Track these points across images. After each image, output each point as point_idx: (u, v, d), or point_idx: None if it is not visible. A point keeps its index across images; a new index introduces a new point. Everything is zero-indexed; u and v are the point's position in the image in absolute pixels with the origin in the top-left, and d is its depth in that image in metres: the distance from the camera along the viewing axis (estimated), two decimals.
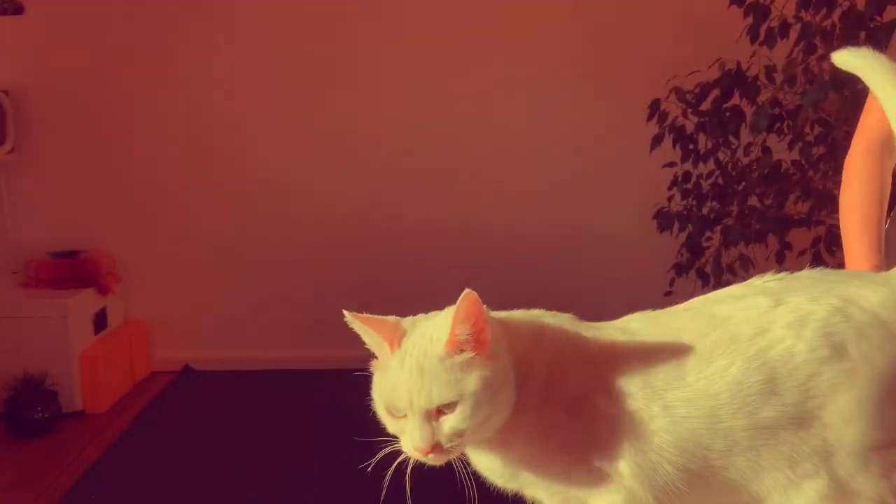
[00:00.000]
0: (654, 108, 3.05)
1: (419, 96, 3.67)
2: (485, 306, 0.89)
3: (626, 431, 0.89)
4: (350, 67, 3.64)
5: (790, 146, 2.85)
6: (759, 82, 2.82)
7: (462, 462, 0.94)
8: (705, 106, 2.99)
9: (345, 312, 0.93)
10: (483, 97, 3.66)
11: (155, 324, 3.80)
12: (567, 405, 0.90)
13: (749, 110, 2.86)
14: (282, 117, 3.69)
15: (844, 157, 1.35)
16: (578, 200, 3.69)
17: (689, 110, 3.02)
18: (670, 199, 3.19)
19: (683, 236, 3.15)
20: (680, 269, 3.15)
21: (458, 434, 0.88)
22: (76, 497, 2.68)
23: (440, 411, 0.88)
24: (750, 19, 2.79)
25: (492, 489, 0.97)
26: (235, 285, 3.80)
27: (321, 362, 3.74)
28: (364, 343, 0.95)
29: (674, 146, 3.06)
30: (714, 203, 3.09)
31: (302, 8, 3.60)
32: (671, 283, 3.16)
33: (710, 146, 3.02)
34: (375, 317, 0.92)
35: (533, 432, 0.90)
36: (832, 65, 1.11)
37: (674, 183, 3.17)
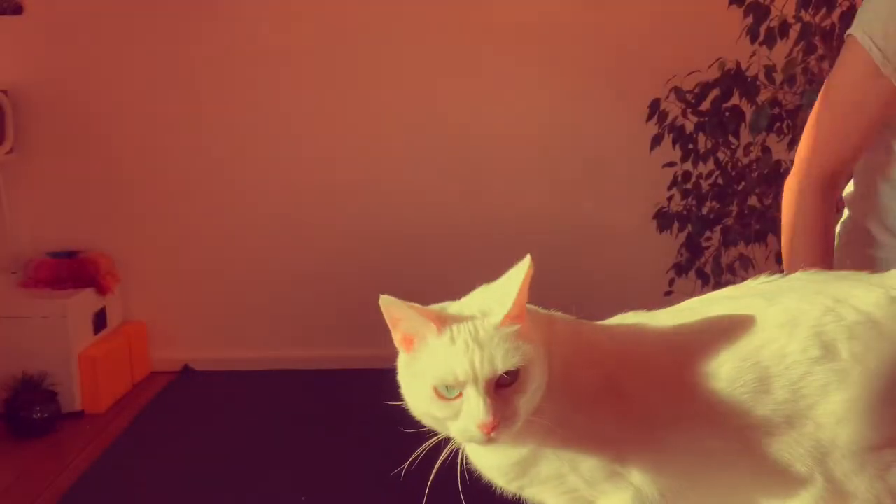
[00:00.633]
0: (654, 108, 3.05)
1: (418, 96, 3.67)
2: None
3: (634, 430, 0.88)
4: (350, 68, 3.64)
5: (790, 146, 2.85)
6: (758, 82, 2.82)
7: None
8: (705, 106, 2.99)
9: (382, 297, 0.87)
10: (483, 97, 3.66)
11: (154, 324, 3.80)
12: (579, 401, 0.90)
13: (749, 110, 2.86)
14: (281, 118, 3.69)
15: None
16: (578, 200, 3.69)
17: (689, 110, 3.02)
18: (670, 199, 3.19)
19: (683, 236, 3.14)
20: (680, 269, 3.16)
21: (519, 406, 0.85)
22: (75, 497, 2.68)
23: (499, 384, 0.85)
24: (750, 19, 2.79)
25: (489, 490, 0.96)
26: (235, 285, 3.80)
27: (321, 362, 3.74)
28: (392, 336, 0.91)
29: (673, 146, 3.06)
30: (714, 203, 3.09)
31: (305, 9, 3.60)
32: (671, 283, 3.16)
33: (709, 146, 3.02)
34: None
35: (546, 427, 0.89)
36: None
37: (673, 183, 3.17)
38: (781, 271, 0.99)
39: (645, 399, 0.89)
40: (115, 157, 3.70)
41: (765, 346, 0.88)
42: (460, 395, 0.85)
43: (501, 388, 0.84)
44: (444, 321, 0.87)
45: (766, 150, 2.92)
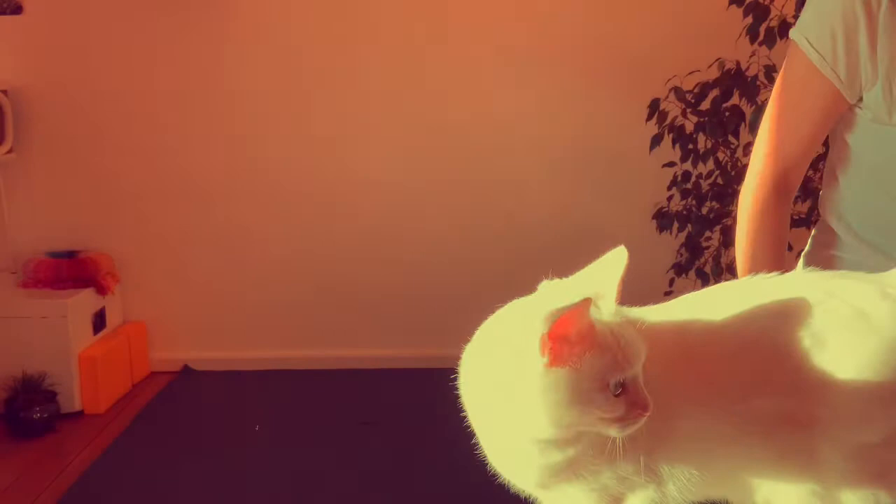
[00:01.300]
0: (654, 108, 3.05)
1: (417, 96, 3.67)
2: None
3: (656, 420, 0.88)
4: (349, 67, 3.64)
5: None
6: (758, 82, 2.82)
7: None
8: (705, 106, 2.99)
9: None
10: (482, 97, 3.66)
11: (154, 324, 3.80)
12: None
13: (749, 110, 2.86)
14: (282, 118, 3.69)
15: None
16: (578, 200, 3.69)
17: (689, 110, 3.02)
18: (670, 198, 3.19)
19: (683, 236, 3.14)
20: (680, 268, 3.16)
21: None
22: (75, 497, 2.68)
23: None
24: (749, 19, 2.79)
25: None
26: (235, 286, 3.80)
27: (321, 362, 3.74)
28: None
29: (673, 146, 3.06)
30: (714, 203, 3.08)
31: (308, 9, 3.60)
32: (671, 282, 3.16)
33: (709, 146, 3.02)
34: None
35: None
36: None
37: (673, 183, 3.17)
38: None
39: (660, 388, 0.88)
40: (115, 157, 3.70)
41: (760, 337, 0.88)
42: (622, 389, 0.83)
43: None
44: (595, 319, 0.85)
45: None
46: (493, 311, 0.94)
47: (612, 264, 0.89)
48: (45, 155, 3.66)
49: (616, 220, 3.63)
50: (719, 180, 3.08)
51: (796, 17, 2.65)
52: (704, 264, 3.11)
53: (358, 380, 3.58)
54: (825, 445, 0.86)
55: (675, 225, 3.12)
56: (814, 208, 2.84)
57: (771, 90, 1.27)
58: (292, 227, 3.76)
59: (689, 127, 3.03)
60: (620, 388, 0.82)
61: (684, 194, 3.14)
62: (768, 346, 0.88)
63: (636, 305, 0.99)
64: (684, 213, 3.12)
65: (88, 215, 3.72)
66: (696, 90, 3.00)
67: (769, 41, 2.74)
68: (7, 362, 3.19)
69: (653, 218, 3.18)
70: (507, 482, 0.95)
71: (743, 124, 2.90)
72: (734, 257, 3.05)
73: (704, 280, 3.07)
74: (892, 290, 0.89)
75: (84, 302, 3.41)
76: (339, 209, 3.75)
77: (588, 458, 0.88)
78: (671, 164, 3.14)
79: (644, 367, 0.86)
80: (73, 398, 3.30)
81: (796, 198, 2.91)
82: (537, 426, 0.84)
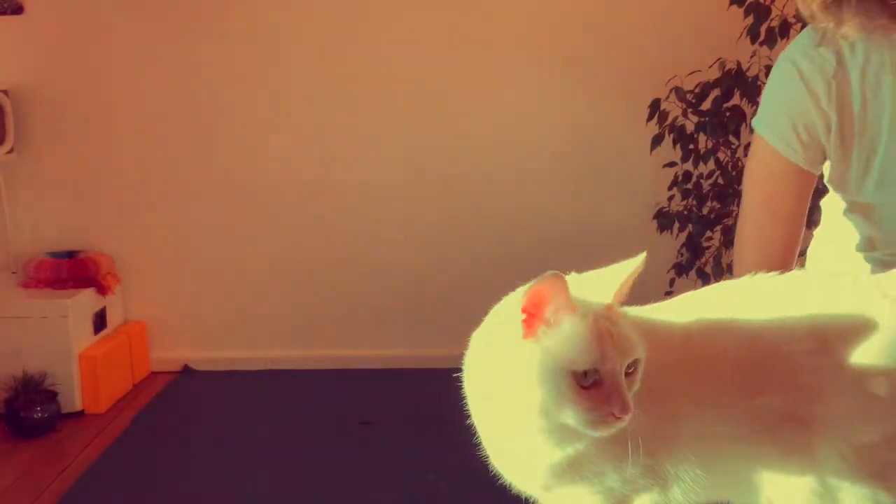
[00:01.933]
0: (655, 108, 3.05)
1: (417, 95, 3.66)
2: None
3: (660, 420, 0.87)
4: (348, 66, 3.63)
5: None
6: (759, 82, 2.82)
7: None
8: (705, 106, 2.99)
9: (551, 272, 0.83)
10: (482, 97, 3.66)
11: (154, 324, 3.80)
12: None
13: (749, 110, 2.86)
14: (281, 118, 3.69)
15: None
16: (578, 200, 3.69)
17: (690, 110, 3.02)
18: (670, 199, 3.19)
19: (684, 236, 3.14)
20: (680, 269, 3.15)
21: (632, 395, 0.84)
22: (75, 497, 2.68)
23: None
24: (750, 19, 2.79)
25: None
26: (235, 285, 3.80)
27: (321, 362, 3.74)
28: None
29: (674, 146, 3.06)
30: (714, 203, 3.09)
31: (305, 9, 3.60)
32: (671, 283, 3.16)
33: (710, 146, 3.02)
34: None
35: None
36: None
37: (674, 183, 3.17)
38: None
39: (665, 388, 0.89)
40: (115, 158, 3.70)
41: (761, 335, 0.88)
42: (595, 382, 0.81)
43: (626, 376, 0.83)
44: (579, 306, 0.84)
45: None
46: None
47: (629, 265, 0.91)
48: (46, 155, 3.66)
49: (617, 220, 3.62)
50: (720, 180, 3.08)
51: (797, 17, 2.66)
52: (705, 264, 3.10)
53: (358, 380, 3.57)
54: (825, 445, 0.86)
55: (676, 225, 3.12)
56: (814, 208, 2.84)
57: None
58: (292, 228, 3.76)
59: (690, 127, 3.03)
60: (593, 381, 0.81)
61: (685, 194, 3.14)
62: (770, 345, 0.88)
63: (636, 305, 0.99)
64: (685, 213, 3.12)
65: (89, 215, 3.72)
66: (696, 90, 3.00)
67: (770, 41, 2.75)
68: (7, 362, 3.19)
69: (653, 218, 3.18)
70: (508, 483, 0.94)
71: (744, 124, 2.91)
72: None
73: (705, 280, 3.07)
74: (892, 291, 0.89)
75: (84, 302, 3.41)
76: (339, 209, 3.74)
77: (592, 458, 0.87)
78: (672, 165, 3.13)
79: (646, 368, 0.86)
80: (74, 398, 3.29)
81: None
82: (524, 407, 0.83)
